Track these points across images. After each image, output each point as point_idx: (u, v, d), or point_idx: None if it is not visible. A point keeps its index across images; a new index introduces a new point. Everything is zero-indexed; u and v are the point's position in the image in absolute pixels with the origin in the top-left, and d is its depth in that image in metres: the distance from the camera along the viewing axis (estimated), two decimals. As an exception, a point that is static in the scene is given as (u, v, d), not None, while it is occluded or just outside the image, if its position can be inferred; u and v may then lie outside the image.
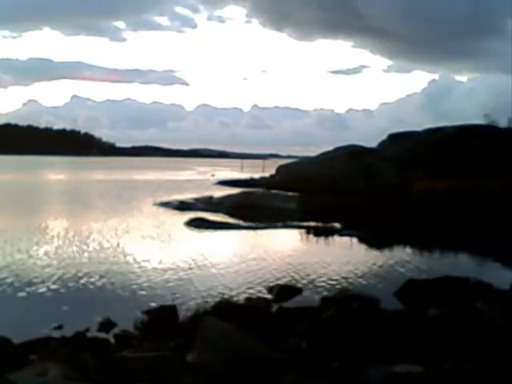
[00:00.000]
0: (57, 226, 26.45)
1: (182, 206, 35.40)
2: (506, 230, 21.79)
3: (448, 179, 35.07)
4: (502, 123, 48.09)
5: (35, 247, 20.27)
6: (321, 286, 15.38)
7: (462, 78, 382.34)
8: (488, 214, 24.58)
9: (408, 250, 21.92)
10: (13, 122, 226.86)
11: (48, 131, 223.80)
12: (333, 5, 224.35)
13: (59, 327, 11.14)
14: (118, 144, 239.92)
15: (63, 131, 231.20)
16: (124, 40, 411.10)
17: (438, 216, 25.45)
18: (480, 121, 49.94)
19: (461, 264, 19.17)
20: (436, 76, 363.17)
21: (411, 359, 7.92)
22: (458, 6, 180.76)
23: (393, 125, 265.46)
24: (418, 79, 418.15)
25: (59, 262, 17.91)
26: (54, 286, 14.69)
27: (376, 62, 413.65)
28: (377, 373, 7.46)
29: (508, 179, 31.81)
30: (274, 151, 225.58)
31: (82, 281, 15.43)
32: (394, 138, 56.24)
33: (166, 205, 36.60)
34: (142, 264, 17.90)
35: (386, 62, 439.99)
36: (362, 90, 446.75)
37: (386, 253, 21.25)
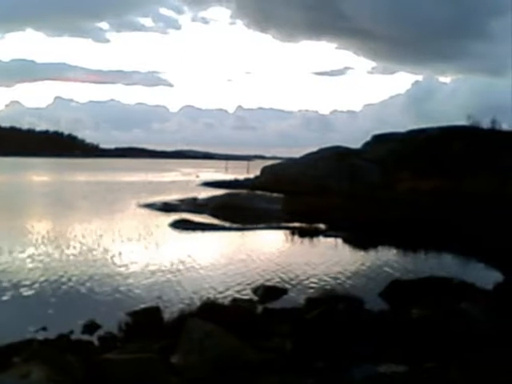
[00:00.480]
0: (40, 228, 26.23)
1: (166, 208, 35.27)
2: (489, 230, 21.92)
3: (432, 180, 35.26)
4: (485, 124, 48.41)
5: (18, 250, 20.07)
6: (306, 287, 15.39)
7: (446, 79, 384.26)
8: (471, 214, 24.73)
9: (392, 250, 22.02)
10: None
11: (31, 132, 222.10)
12: (317, 6, 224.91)
13: (43, 329, 11.05)
14: (102, 145, 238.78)
15: (46, 132, 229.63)
16: (107, 41, 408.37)
17: (421, 216, 25.57)
18: (463, 122, 50.24)
19: (445, 264, 19.26)
20: (419, 77, 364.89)
21: (395, 359, 7.95)
22: (441, 7, 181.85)
23: (377, 126, 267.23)
24: (401, 81, 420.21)
25: (42, 264, 17.76)
26: (37, 289, 14.58)
27: (360, 63, 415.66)
28: (361, 373, 7.48)
29: (491, 179, 32.05)
30: (258, 152, 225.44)
31: (66, 283, 15.32)
32: (378, 139, 56.49)
33: (150, 206, 36.46)
34: (126, 266, 17.81)
35: (370, 64, 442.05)
36: (346, 91, 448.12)
37: (371, 253, 21.33)
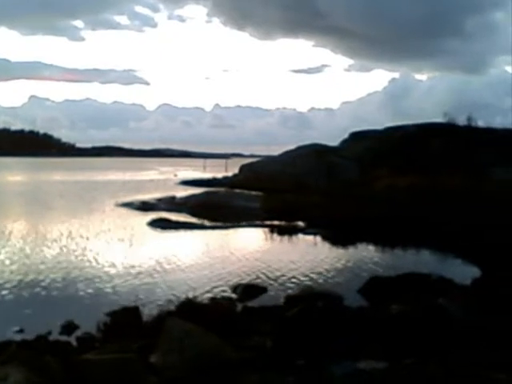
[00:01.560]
0: (15, 228, 25.94)
1: (144, 207, 35.10)
2: (467, 227, 22.14)
3: (409, 176, 35.52)
4: (461, 121, 48.89)
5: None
6: (285, 285, 15.41)
7: (422, 76, 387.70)
8: (449, 211, 24.96)
9: (371, 247, 22.14)
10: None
11: (6, 132, 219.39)
12: (294, 4, 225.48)
13: (20, 331, 10.95)
14: (78, 144, 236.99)
15: (21, 132, 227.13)
16: (83, 39, 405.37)
17: (399, 213, 25.75)
18: (439, 119, 50.70)
19: (423, 260, 19.41)
20: (396, 75, 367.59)
21: (375, 355, 7.97)
22: (417, 5, 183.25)
23: (354, 123, 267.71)
24: (378, 78, 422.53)
25: (18, 265, 17.57)
26: (13, 290, 14.42)
27: (337, 61, 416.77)
28: (341, 370, 7.49)
29: (467, 175, 32.38)
30: (236, 150, 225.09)
31: (43, 284, 15.17)
32: (356, 136, 56.79)
33: (128, 205, 36.25)
34: (104, 266, 17.69)
35: (347, 61, 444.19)
36: (323, 88, 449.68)
37: (350, 250, 21.42)
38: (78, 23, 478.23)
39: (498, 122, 77.40)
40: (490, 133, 45.64)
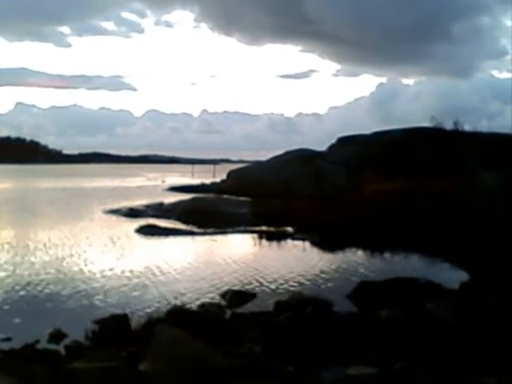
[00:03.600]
0: (2, 236, 25.77)
1: (132, 213, 34.99)
2: (454, 231, 22.21)
3: (396, 181, 35.61)
4: (448, 125, 49.07)
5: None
6: (275, 291, 15.40)
7: (409, 81, 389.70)
8: (436, 215, 25.03)
9: (360, 252, 22.17)
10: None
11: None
12: (282, 10, 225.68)
13: (7, 339, 10.85)
14: (65, 151, 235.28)
15: (8, 139, 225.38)
16: (69, 45, 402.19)
17: (387, 218, 25.80)
18: (427, 123, 50.88)
19: (411, 265, 19.48)
20: (383, 80, 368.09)
21: (365, 361, 7.98)
22: (404, 10, 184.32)
23: (342, 128, 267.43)
24: (366, 83, 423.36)
25: (5, 272, 17.46)
26: (0, 298, 14.30)
27: (324, 66, 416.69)
28: (331, 376, 7.48)
29: (454, 179, 32.50)
30: (224, 156, 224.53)
31: (31, 292, 15.08)
32: (343, 141, 56.87)
33: (116, 212, 36.12)
34: (92, 273, 17.60)
35: (334, 66, 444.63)
36: (311, 94, 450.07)
37: (339, 255, 21.44)
38: (65, 29, 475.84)
39: (485, 126, 77.90)
40: (477, 137, 45.89)
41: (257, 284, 16.21)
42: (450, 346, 8.42)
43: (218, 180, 62.66)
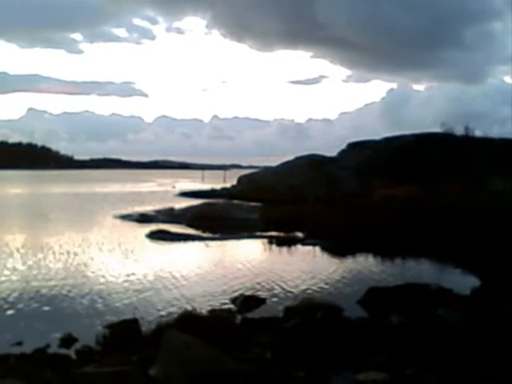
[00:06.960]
0: (15, 240, 25.89)
1: (142, 219, 35.10)
2: (465, 236, 22.10)
3: (407, 186, 35.52)
4: (458, 131, 48.92)
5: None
6: (284, 296, 15.39)
7: (420, 87, 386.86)
8: (447, 220, 24.92)
9: (370, 257, 22.11)
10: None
11: (3, 144, 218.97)
12: (293, 16, 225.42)
13: (18, 344, 10.88)
14: (77, 157, 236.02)
15: (19, 145, 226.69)
16: (81, 52, 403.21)
17: (398, 223, 25.70)
18: (437, 129, 50.75)
19: (422, 270, 19.40)
20: (394, 85, 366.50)
21: (375, 367, 7.95)
22: (415, 16, 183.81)
23: (352, 134, 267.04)
24: (376, 88, 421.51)
25: (18, 277, 17.56)
26: (12, 302, 14.38)
27: (335, 71, 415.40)
28: (342, 381, 7.47)
29: (465, 185, 32.37)
30: (235, 162, 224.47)
31: (42, 296, 15.14)
32: (354, 146, 56.85)
33: (127, 217, 36.26)
34: (103, 278, 17.66)
35: (345, 72, 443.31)
36: (321, 99, 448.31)
37: (349, 261, 21.40)
38: (77, 36, 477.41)
39: (496, 131, 77.39)
40: (488, 143, 45.70)
41: (267, 289, 16.19)
42: (461, 352, 8.38)
43: (228, 185, 62.73)
